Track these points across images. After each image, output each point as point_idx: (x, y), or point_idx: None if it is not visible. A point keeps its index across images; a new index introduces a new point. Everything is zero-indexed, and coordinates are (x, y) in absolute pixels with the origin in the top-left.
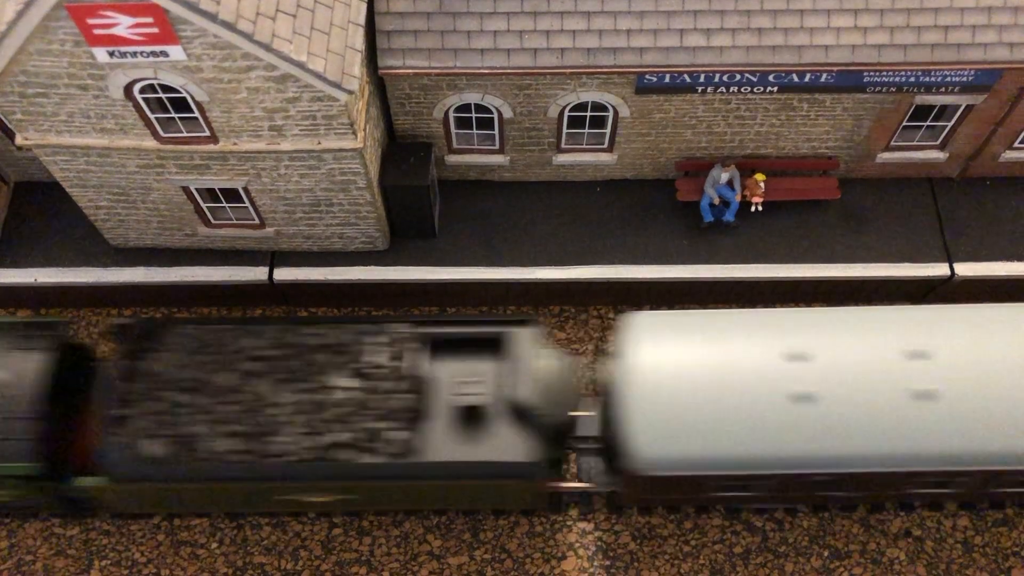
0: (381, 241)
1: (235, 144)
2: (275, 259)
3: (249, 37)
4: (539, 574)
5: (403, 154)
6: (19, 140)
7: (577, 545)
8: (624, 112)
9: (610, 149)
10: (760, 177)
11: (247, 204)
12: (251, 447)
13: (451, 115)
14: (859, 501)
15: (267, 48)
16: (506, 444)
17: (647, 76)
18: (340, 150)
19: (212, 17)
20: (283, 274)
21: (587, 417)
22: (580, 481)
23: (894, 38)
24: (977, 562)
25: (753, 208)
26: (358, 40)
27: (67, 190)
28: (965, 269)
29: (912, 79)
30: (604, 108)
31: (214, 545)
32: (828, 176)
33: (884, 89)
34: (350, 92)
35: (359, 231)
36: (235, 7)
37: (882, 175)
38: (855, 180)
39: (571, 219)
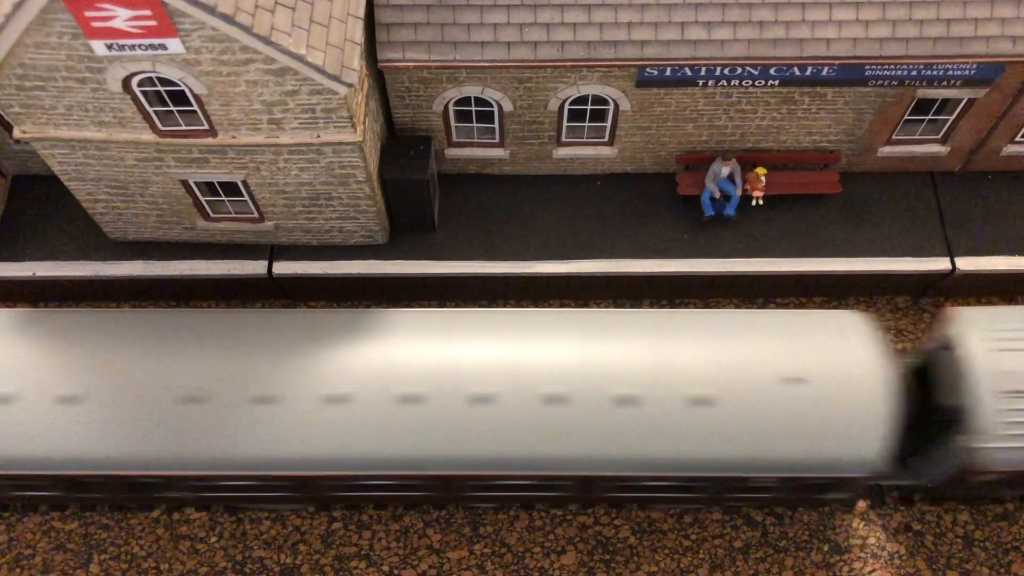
0: (381, 235)
1: (234, 137)
2: (274, 253)
3: (248, 30)
4: (539, 568)
5: (403, 148)
6: (17, 133)
7: (577, 539)
8: (625, 105)
9: (610, 143)
10: (761, 171)
11: (246, 198)
12: None
13: (451, 108)
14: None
15: (266, 41)
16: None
17: (648, 69)
18: (339, 143)
19: (210, 10)
20: (282, 268)
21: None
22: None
23: (896, 31)
24: (977, 556)
25: (754, 202)
26: (357, 33)
27: (65, 183)
28: (966, 263)
29: (914, 72)
30: (605, 101)
31: (213, 539)
32: (829, 170)
33: (886, 83)
34: (349, 85)
35: (358, 225)
36: (233, 0)
37: (883, 169)
38: (856, 174)
39: (571, 213)
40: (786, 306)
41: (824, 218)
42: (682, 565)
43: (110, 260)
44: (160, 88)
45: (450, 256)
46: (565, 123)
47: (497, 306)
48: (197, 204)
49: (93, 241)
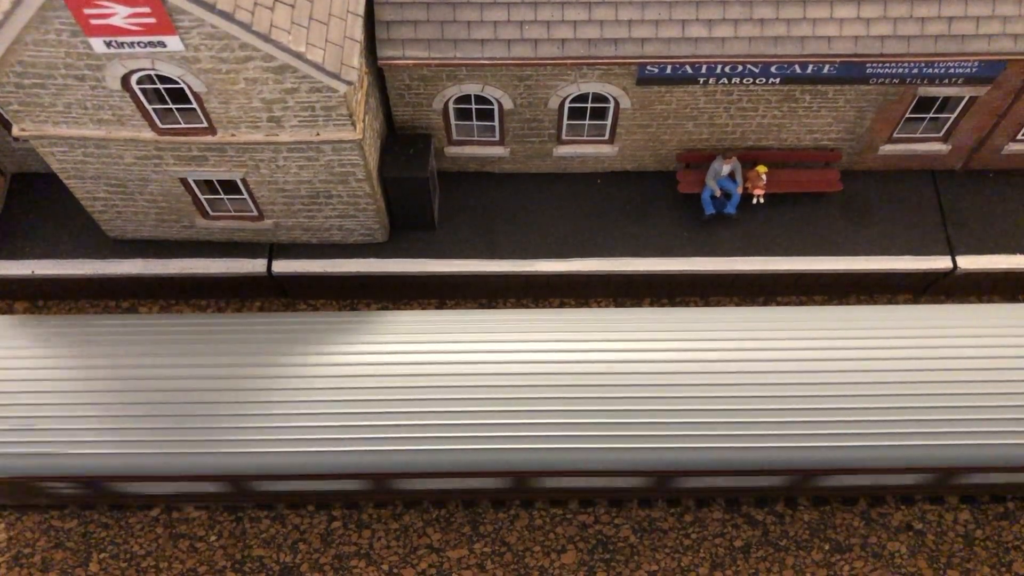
0: (380, 233)
1: (233, 135)
2: (274, 251)
3: (247, 27)
4: (539, 567)
5: (402, 146)
6: (16, 131)
7: (577, 538)
8: (625, 103)
9: (611, 141)
10: (762, 169)
11: (245, 196)
12: None
13: (451, 106)
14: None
15: (265, 38)
16: None
17: (648, 67)
18: (339, 141)
19: (210, 7)
20: (282, 266)
21: None
22: None
23: (897, 29)
24: (978, 555)
25: (755, 200)
26: (357, 30)
27: (64, 181)
28: (967, 262)
29: (915, 70)
30: (605, 99)
31: (212, 538)
32: (830, 168)
33: (887, 80)
34: (349, 83)
35: (358, 223)
36: None
37: (884, 167)
38: (857, 172)
39: (571, 211)
40: (787, 305)
41: (825, 216)
42: (682, 564)
43: (109, 258)
44: (159, 86)
45: (450, 255)
46: (565, 121)
47: (497, 306)
48: (196, 202)
49: (92, 239)
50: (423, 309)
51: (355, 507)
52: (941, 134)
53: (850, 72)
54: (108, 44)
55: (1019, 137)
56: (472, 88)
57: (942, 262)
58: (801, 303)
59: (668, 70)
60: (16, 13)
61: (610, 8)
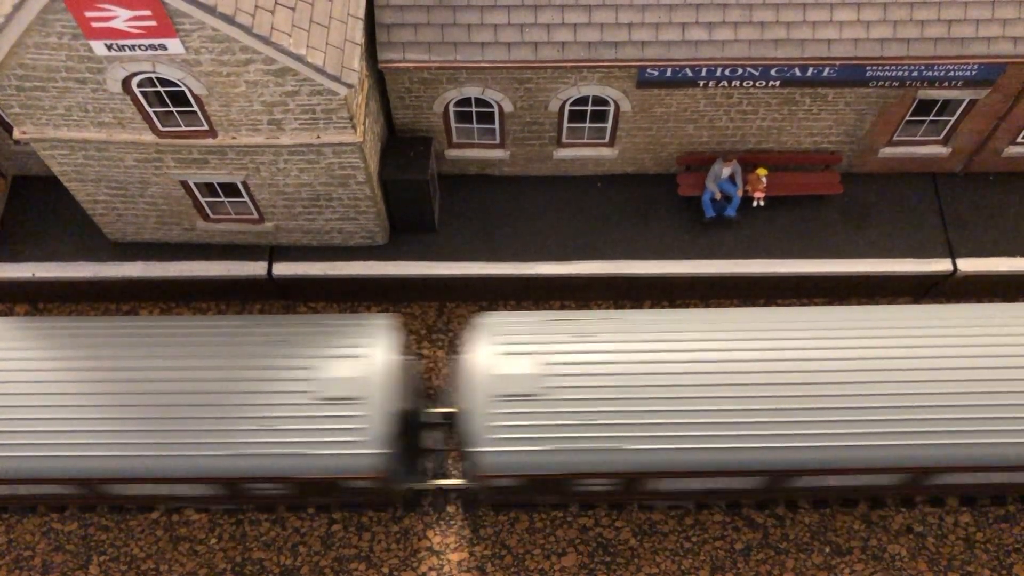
0: (381, 236)
1: (234, 138)
2: (274, 254)
3: (248, 30)
4: (539, 570)
5: (403, 148)
6: (17, 134)
7: (578, 541)
8: (625, 106)
9: (611, 143)
10: (762, 172)
11: (246, 199)
12: None
13: (451, 109)
14: None
15: (266, 41)
16: None
17: (649, 70)
18: (340, 144)
19: (210, 10)
20: (282, 269)
21: None
22: None
23: (897, 32)
24: (979, 558)
25: (755, 203)
26: (357, 33)
27: (65, 184)
28: (967, 265)
29: (915, 73)
30: (605, 102)
31: (213, 540)
32: (830, 171)
33: (887, 83)
34: (349, 86)
35: (359, 226)
36: (233, 0)
37: (885, 170)
38: (857, 175)
39: (572, 214)
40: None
41: (825, 219)
42: (683, 567)
43: (110, 261)
44: (160, 88)
45: (450, 257)
46: (566, 124)
47: (497, 308)
48: (197, 205)
49: (93, 242)
50: (423, 312)
51: (355, 510)
52: (941, 137)
53: (850, 75)
54: (109, 47)
55: (1019, 140)
56: (472, 91)
57: (942, 265)
58: (801, 306)
59: (668, 73)
60: (17, 16)
61: (610, 11)
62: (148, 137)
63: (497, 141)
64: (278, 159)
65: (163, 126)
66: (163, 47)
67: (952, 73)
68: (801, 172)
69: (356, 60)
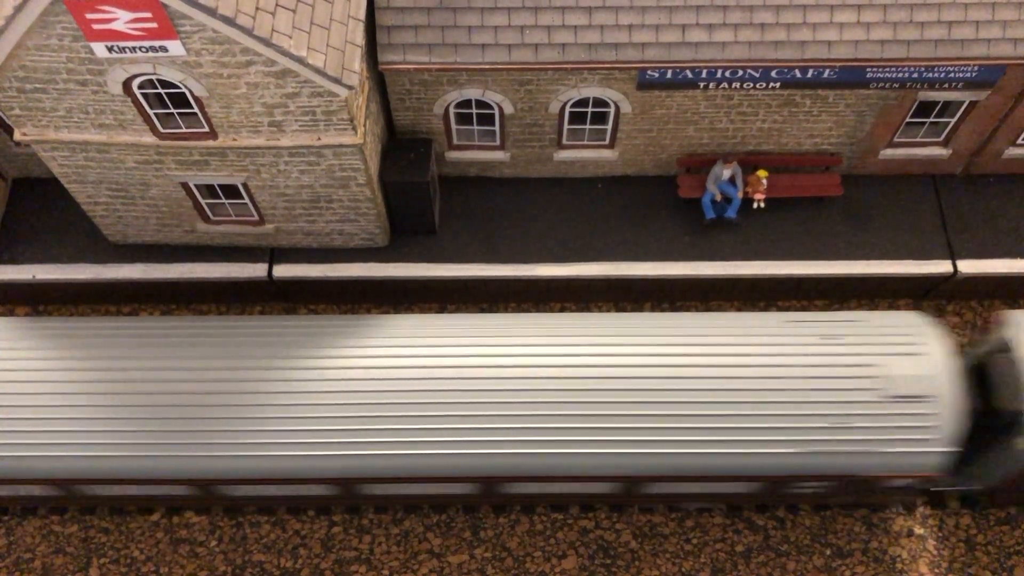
0: (381, 238)
1: (234, 140)
2: (274, 256)
3: (249, 32)
4: (539, 572)
5: (403, 150)
6: (17, 136)
7: (578, 543)
8: (626, 108)
9: (611, 145)
10: (762, 173)
11: (246, 200)
12: None
13: (452, 111)
14: None
15: (267, 43)
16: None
17: (649, 72)
18: (340, 146)
19: (211, 12)
20: (282, 271)
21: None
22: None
23: (897, 34)
24: (979, 560)
25: (755, 205)
26: (358, 35)
27: (65, 186)
28: (968, 266)
29: (915, 75)
30: (606, 104)
31: (213, 543)
32: (831, 173)
33: (887, 85)
34: (350, 88)
35: (359, 227)
36: (234, 2)
37: (885, 172)
38: (858, 177)
39: (572, 216)
40: (787, 309)
41: (826, 221)
42: (683, 569)
43: (110, 263)
44: (161, 90)
45: (451, 259)
46: (566, 126)
47: (498, 310)
48: (197, 207)
49: (93, 244)
50: (423, 313)
51: (356, 512)
52: (941, 138)
53: (850, 76)
54: (110, 49)
55: (1019, 141)
56: (473, 93)
57: (943, 266)
58: (802, 307)
59: (669, 75)
60: (18, 18)
61: (611, 13)
62: (149, 139)
63: (497, 143)
64: (278, 161)
65: (164, 128)
66: (164, 49)
67: (952, 75)
68: (801, 174)
69: (356, 62)
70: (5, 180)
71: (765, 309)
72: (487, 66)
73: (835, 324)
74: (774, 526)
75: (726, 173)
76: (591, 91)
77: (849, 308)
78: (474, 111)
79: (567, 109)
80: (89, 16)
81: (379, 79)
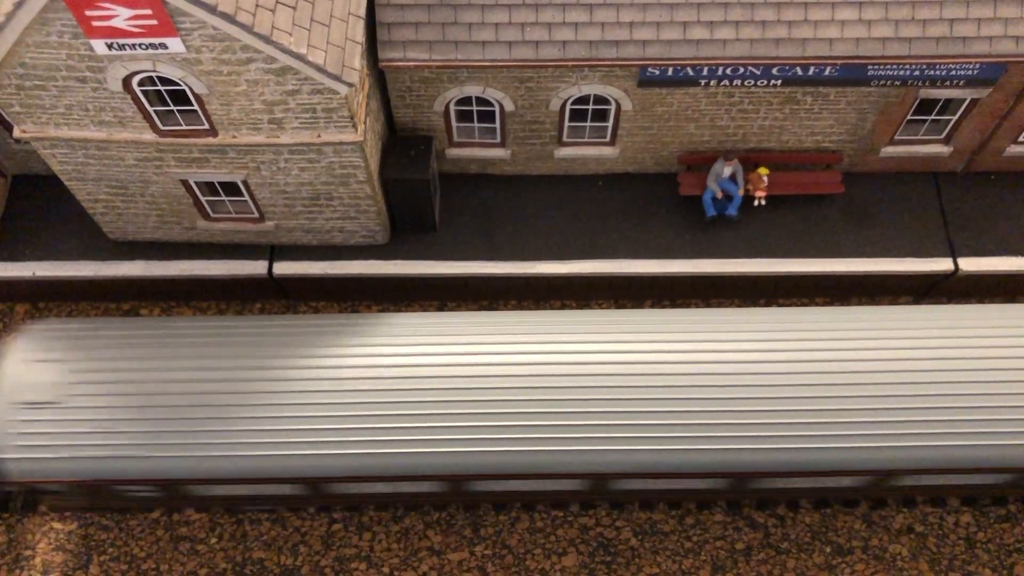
0: (381, 235)
1: (234, 137)
2: (275, 253)
3: (248, 29)
4: (540, 570)
5: (404, 147)
6: (17, 133)
7: (578, 541)
8: (626, 105)
9: (612, 143)
10: (763, 171)
11: (246, 198)
12: None
13: (452, 108)
14: None
15: (267, 40)
16: None
17: (650, 69)
18: (340, 143)
19: (211, 9)
20: (283, 268)
21: None
22: None
23: (899, 31)
24: (980, 558)
25: (756, 202)
26: (358, 32)
27: (65, 183)
28: (969, 264)
29: (917, 72)
30: (606, 101)
31: (213, 540)
32: (832, 170)
33: (888, 83)
34: (350, 85)
35: (359, 225)
36: None
37: (886, 169)
38: (859, 174)
39: (572, 213)
40: (788, 307)
41: (826, 219)
42: (683, 567)
43: (110, 260)
44: (160, 87)
45: (451, 256)
46: (567, 123)
47: (498, 307)
48: (197, 204)
49: (93, 241)
50: (423, 311)
51: (356, 510)
52: (943, 136)
53: (852, 74)
54: (109, 46)
55: (1021, 139)
56: (473, 90)
57: (944, 264)
58: (803, 305)
59: (669, 72)
60: (18, 15)
61: (611, 10)
62: (148, 136)
63: (498, 140)
64: (279, 158)
65: (164, 125)
66: (164, 46)
67: (954, 72)
68: (802, 171)
69: (357, 59)
70: (5, 177)
71: (766, 307)
72: (488, 63)
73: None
74: (774, 524)
75: (727, 171)
76: (592, 88)
77: (849, 305)
78: (475, 108)
79: (568, 106)
80: (89, 13)
81: (379, 76)
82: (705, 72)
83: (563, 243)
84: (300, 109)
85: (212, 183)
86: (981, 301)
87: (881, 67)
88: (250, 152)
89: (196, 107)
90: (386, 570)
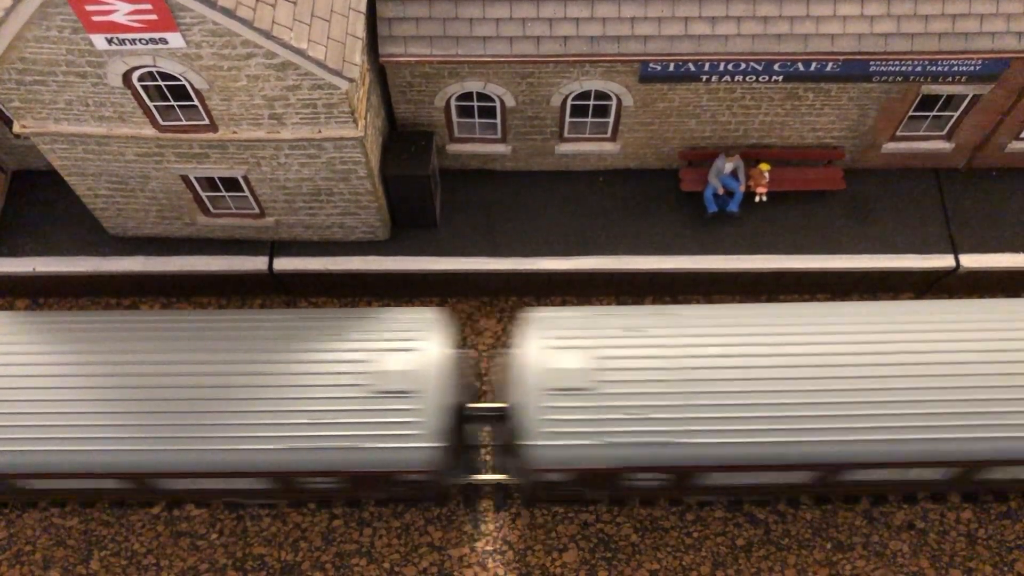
0: (382, 231)
1: (235, 132)
2: (275, 249)
3: (249, 24)
4: (540, 566)
5: (404, 143)
6: (17, 128)
7: (579, 537)
8: (628, 101)
9: (613, 138)
10: (765, 167)
11: (247, 193)
12: None
13: (453, 104)
14: None
15: (267, 35)
16: None
17: (651, 64)
18: (341, 139)
19: (211, 4)
20: (283, 264)
21: None
22: None
23: (901, 27)
24: (980, 555)
25: (757, 198)
26: (359, 27)
27: (65, 179)
28: (970, 260)
29: (918, 68)
30: (607, 97)
31: (213, 536)
32: (833, 166)
33: (890, 79)
34: (351, 80)
35: (360, 221)
36: None
37: (887, 165)
38: (860, 170)
39: (573, 209)
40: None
41: (828, 215)
42: (684, 563)
43: (110, 255)
44: (161, 83)
45: (452, 252)
46: (568, 119)
47: (498, 306)
48: (197, 199)
49: (93, 236)
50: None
51: (356, 505)
52: (944, 132)
53: (853, 70)
54: (110, 41)
55: (1022, 135)
56: (474, 85)
57: (945, 260)
58: (803, 301)
59: (671, 68)
60: (18, 9)
61: (613, 5)
62: (149, 131)
63: (499, 136)
64: (279, 154)
65: (164, 120)
66: (164, 41)
67: (956, 68)
68: (804, 167)
69: (357, 54)
70: (5, 172)
71: (767, 303)
72: (489, 58)
73: None
74: (775, 520)
75: (728, 166)
76: (593, 84)
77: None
78: (475, 104)
79: (569, 102)
80: (89, 8)
81: (380, 72)
82: (707, 68)
83: (564, 239)
84: (300, 104)
85: (212, 179)
86: (982, 298)
87: (883, 63)
88: (250, 148)
89: (196, 102)
90: (387, 565)
